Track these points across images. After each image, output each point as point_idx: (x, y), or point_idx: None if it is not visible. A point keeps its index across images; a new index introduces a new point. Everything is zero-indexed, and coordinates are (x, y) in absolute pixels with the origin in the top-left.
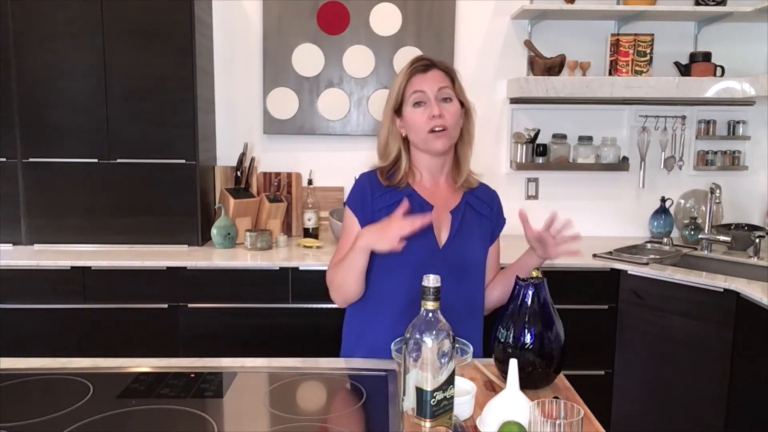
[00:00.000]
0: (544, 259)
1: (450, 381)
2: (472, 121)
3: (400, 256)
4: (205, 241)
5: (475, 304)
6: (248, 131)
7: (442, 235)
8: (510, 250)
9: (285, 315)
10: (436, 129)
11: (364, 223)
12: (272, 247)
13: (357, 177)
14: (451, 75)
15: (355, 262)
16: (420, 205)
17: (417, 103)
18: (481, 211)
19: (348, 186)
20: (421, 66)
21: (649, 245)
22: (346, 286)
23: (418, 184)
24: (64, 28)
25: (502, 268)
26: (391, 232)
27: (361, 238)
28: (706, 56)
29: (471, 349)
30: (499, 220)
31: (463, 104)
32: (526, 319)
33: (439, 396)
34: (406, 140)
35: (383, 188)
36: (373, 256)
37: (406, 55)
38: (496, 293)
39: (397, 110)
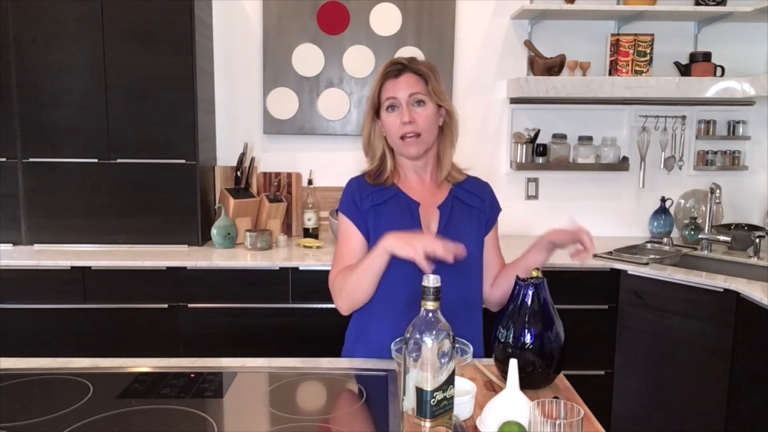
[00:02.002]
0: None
1: (450, 381)
2: (454, 119)
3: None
4: (205, 241)
5: (472, 300)
6: (248, 131)
7: (432, 232)
8: (510, 250)
9: (285, 315)
10: (407, 136)
11: (360, 225)
12: (272, 247)
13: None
14: (425, 77)
15: (375, 264)
16: (406, 204)
17: (390, 107)
18: (471, 203)
19: None
20: (394, 70)
21: (649, 245)
22: (359, 290)
23: (404, 182)
24: (64, 28)
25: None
26: (418, 242)
27: (386, 241)
28: (706, 56)
29: (471, 349)
30: (493, 210)
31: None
32: (526, 319)
33: (439, 396)
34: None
35: (370, 188)
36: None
37: (406, 55)
38: (505, 284)
39: (376, 112)
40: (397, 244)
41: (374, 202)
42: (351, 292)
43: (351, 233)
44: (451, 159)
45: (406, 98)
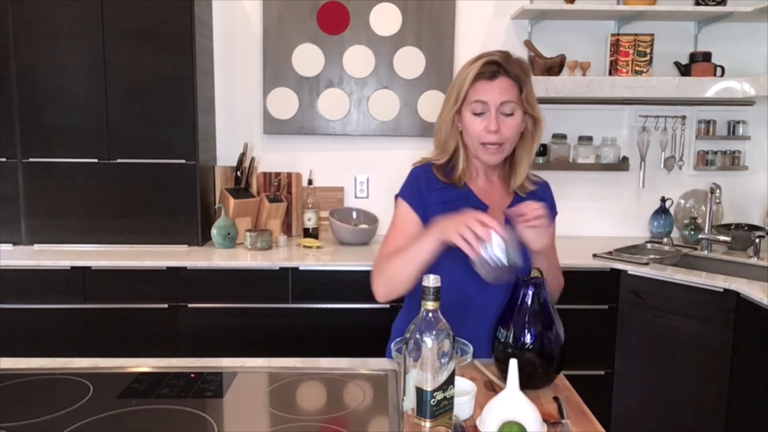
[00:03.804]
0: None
1: (450, 381)
2: (540, 127)
3: (453, 258)
4: (205, 241)
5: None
6: (248, 131)
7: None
8: None
9: (285, 315)
10: (490, 144)
11: (419, 212)
12: (272, 247)
13: (410, 170)
14: (520, 83)
15: (423, 251)
16: (475, 206)
17: (477, 112)
18: None
19: (348, 186)
20: (488, 72)
21: (649, 245)
22: (401, 275)
23: (474, 182)
24: (64, 28)
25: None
26: (465, 220)
27: (435, 227)
28: (706, 56)
29: (471, 349)
30: (551, 212)
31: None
32: (526, 319)
33: (439, 396)
34: (462, 134)
35: (440, 184)
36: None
37: (406, 55)
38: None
39: (459, 107)
40: (445, 228)
41: (443, 198)
42: (392, 276)
43: (408, 217)
44: (528, 167)
45: (497, 105)
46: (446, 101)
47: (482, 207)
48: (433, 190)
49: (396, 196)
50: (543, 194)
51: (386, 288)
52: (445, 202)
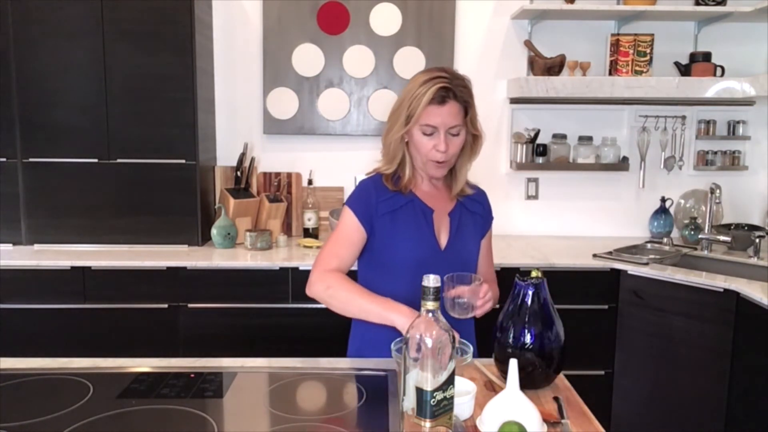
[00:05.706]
0: None
1: (450, 381)
2: (480, 141)
3: (403, 258)
4: (205, 241)
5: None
6: (248, 131)
7: (442, 237)
8: (511, 249)
9: (285, 315)
10: (438, 161)
11: (365, 225)
12: (272, 247)
13: (359, 181)
14: (466, 107)
15: (374, 318)
16: (421, 210)
17: (427, 133)
18: (474, 210)
19: (348, 186)
20: (440, 96)
21: (649, 245)
22: (341, 311)
23: (419, 188)
24: (64, 28)
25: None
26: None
27: (399, 319)
28: (706, 56)
29: (471, 349)
30: (489, 217)
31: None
32: (526, 319)
33: (439, 396)
34: (409, 145)
35: (388, 192)
36: (376, 256)
37: (406, 55)
38: None
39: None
40: (403, 326)
41: (391, 208)
42: (333, 304)
43: (353, 226)
44: (467, 174)
45: (446, 128)
46: (395, 119)
47: (428, 210)
48: (382, 201)
49: (344, 204)
50: (481, 199)
51: (321, 300)
52: (394, 210)
